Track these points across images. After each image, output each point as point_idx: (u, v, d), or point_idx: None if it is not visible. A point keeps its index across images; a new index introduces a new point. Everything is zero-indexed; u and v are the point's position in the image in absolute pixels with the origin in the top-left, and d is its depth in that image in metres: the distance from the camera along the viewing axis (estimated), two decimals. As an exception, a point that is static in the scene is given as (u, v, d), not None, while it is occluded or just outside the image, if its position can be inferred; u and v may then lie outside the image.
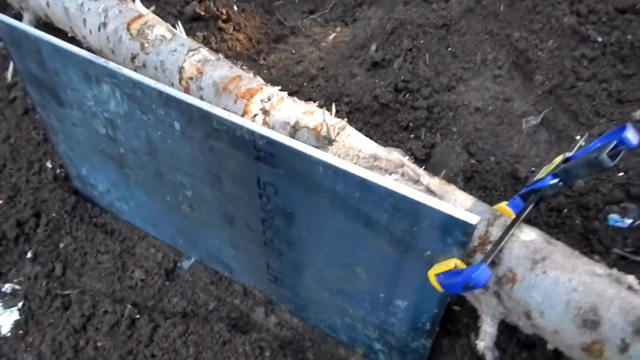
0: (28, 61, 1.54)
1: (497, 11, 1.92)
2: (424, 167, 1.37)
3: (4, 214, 1.83)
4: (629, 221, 1.40)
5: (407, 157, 1.63)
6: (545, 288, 1.07)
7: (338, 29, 2.22)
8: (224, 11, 2.24)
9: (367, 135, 1.75)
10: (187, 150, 1.38)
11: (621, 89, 1.66)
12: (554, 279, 1.05)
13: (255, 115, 1.43)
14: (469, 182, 1.66)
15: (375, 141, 1.71)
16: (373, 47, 2.04)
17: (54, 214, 1.84)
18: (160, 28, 1.63)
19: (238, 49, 2.17)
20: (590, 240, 1.42)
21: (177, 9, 2.30)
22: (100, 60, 1.32)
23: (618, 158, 1.05)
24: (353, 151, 1.36)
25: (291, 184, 1.23)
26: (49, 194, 1.87)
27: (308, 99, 1.93)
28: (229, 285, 1.69)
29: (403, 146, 1.78)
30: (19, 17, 2.20)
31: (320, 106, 1.58)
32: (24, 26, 1.43)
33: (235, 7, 2.29)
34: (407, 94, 1.88)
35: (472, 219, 1.00)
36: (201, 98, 1.52)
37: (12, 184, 1.89)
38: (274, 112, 1.44)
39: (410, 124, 1.82)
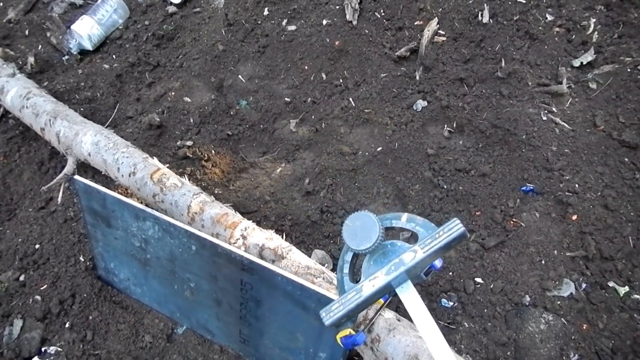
0: (92, 202, 2.27)
1: (387, 163, 2.86)
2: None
3: (49, 295, 2.47)
4: (450, 304, 2.39)
5: (328, 256, 2.57)
6: (394, 345, 1.85)
7: (283, 165, 2.98)
8: (205, 154, 2.99)
9: (302, 242, 2.67)
10: (197, 261, 2.14)
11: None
12: (398, 340, 1.92)
13: (237, 239, 2.33)
14: None
15: (308, 245, 2.65)
16: (307, 181, 2.87)
17: (85, 295, 2.49)
18: (173, 178, 2.50)
19: (215, 179, 2.92)
20: (431, 314, 2.39)
21: (173, 151, 3.02)
22: (149, 210, 2.14)
23: (429, 275, 2.01)
24: (296, 263, 2.23)
25: (261, 284, 2.02)
26: (82, 280, 2.52)
27: (264, 216, 2.76)
28: (210, 345, 2.38)
29: (326, 249, 2.60)
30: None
31: (272, 223, 2.45)
32: (98, 186, 2.19)
33: (212, 151, 3.03)
34: (329, 214, 2.74)
35: None
36: (202, 226, 2.38)
37: (55, 273, 2.53)
38: (249, 237, 2.29)
39: (331, 234, 2.66)
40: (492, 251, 2.49)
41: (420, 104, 3.19)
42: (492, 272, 2.42)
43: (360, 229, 1.10)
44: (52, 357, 2.34)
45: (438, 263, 1.97)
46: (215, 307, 2.29)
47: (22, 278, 2.56)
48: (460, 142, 2.96)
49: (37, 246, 2.65)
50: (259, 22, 3.58)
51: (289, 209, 2.81)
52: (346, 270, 1.23)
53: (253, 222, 2.36)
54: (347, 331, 1.91)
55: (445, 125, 3.05)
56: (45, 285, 2.52)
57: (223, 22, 3.60)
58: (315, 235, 2.71)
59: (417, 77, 3.35)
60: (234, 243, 2.25)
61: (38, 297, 2.49)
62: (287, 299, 1.99)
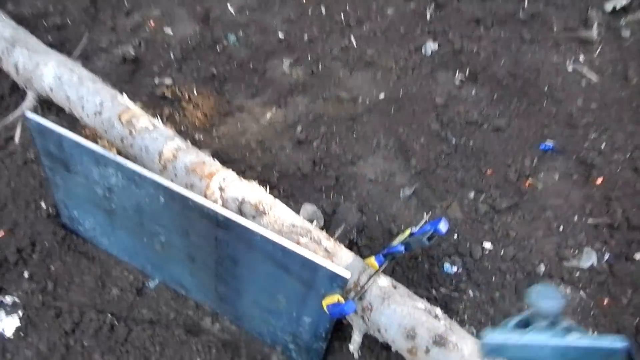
0: (48, 143, 2.00)
1: (389, 113, 2.63)
2: (329, 222, 2.04)
3: (6, 243, 2.26)
4: (454, 270, 2.18)
5: (319, 211, 2.33)
6: (388, 315, 1.69)
7: (273, 109, 2.76)
8: (186, 94, 2.71)
9: (291, 195, 2.41)
10: (166, 214, 1.91)
11: (464, 177, 2.40)
12: (393, 310, 1.73)
13: (214, 191, 2.05)
14: (360, 233, 2.27)
15: (297, 199, 2.40)
16: (299, 129, 2.63)
17: (46, 243, 2.29)
18: (144, 120, 2.19)
19: (196, 123, 2.67)
20: (431, 279, 2.17)
21: (149, 90, 2.75)
22: (111, 155, 1.84)
23: (433, 240, 1.77)
24: (279, 220, 1.97)
25: (238, 242, 1.80)
26: (43, 227, 2.32)
27: (249, 166, 2.49)
28: (184, 301, 2.20)
29: (317, 203, 2.38)
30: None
31: (257, 173, 2.19)
32: (53, 125, 1.89)
33: (195, 91, 2.78)
34: (322, 167, 2.50)
35: (346, 274, 1.67)
36: (175, 176, 2.09)
37: (13, 219, 2.32)
38: (227, 190, 2.02)
39: (323, 188, 2.44)
40: (503, 214, 2.27)
41: (430, 46, 2.96)
42: (503, 237, 2.20)
43: (547, 296, 1.07)
44: (7, 308, 2.16)
45: (443, 227, 1.73)
46: (188, 263, 2.08)
47: None
48: (473, 92, 2.72)
49: None
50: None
51: (278, 159, 2.57)
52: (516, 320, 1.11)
53: (236, 172, 2.12)
54: (336, 297, 1.70)
55: (457, 72, 2.82)
56: (2, 233, 2.30)
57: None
58: (305, 189, 2.48)
59: (428, 16, 3.07)
60: (210, 196, 2.00)
61: None
62: (267, 259, 1.78)
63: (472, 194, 2.35)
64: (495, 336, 1.04)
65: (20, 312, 2.13)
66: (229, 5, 3.07)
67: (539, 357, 1.02)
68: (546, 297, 1.06)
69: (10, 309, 2.15)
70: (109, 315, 2.14)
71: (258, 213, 1.99)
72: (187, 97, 2.76)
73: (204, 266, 2.04)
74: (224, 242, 1.86)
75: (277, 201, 2.05)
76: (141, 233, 2.11)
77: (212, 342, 2.04)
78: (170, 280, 2.26)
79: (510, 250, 2.15)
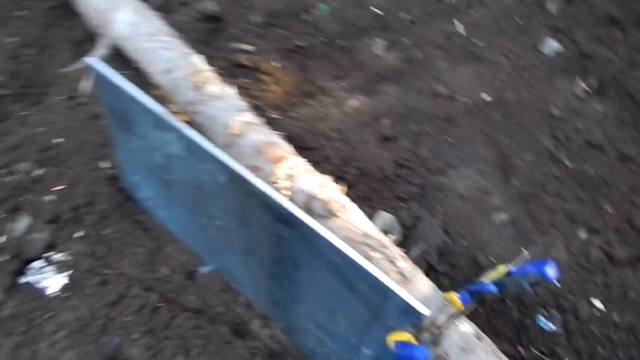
0: (111, 97, 1.89)
1: (494, 118, 2.32)
2: (407, 237, 1.78)
3: (63, 198, 2.19)
4: (550, 326, 1.82)
5: (396, 223, 2.06)
6: None
7: (359, 96, 2.53)
8: (267, 66, 2.54)
9: (366, 198, 2.17)
10: (226, 195, 1.72)
11: (575, 210, 2.07)
12: None
13: (280, 179, 1.82)
14: (441, 257, 2.02)
15: (373, 204, 2.15)
16: (385, 122, 2.39)
17: (103, 206, 2.20)
18: (216, 86, 2.00)
19: (272, 99, 2.49)
20: (520, 332, 1.83)
21: (226, 54, 2.59)
22: (172, 120, 1.67)
23: (535, 286, 1.45)
24: (350, 226, 1.75)
25: (301, 244, 1.58)
26: (102, 188, 2.23)
27: (325, 156, 2.29)
28: (235, 296, 2.05)
29: (395, 212, 2.14)
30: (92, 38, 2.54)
31: (333, 167, 1.96)
32: (114, 76, 1.74)
33: (276, 63, 2.60)
34: (407, 170, 2.24)
35: (424, 310, 1.41)
36: (240, 153, 1.90)
37: (73, 175, 2.24)
38: (296, 180, 1.82)
39: (404, 196, 2.19)
40: (622, 266, 1.92)
41: (551, 45, 2.64)
42: (620, 298, 1.86)
43: None
44: (56, 265, 2.09)
45: (552, 273, 1.42)
46: (244, 255, 1.90)
47: (37, 172, 2.28)
48: (599, 107, 2.37)
49: (59, 140, 2.35)
50: None
51: (358, 154, 2.34)
52: None
53: (308, 161, 1.92)
54: (406, 336, 1.44)
55: (581, 81, 2.48)
56: (61, 187, 2.23)
57: None
58: (385, 194, 2.24)
59: (553, 9, 2.68)
60: (275, 183, 1.82)
61: (51, 197, 2.21)
62: (332, 271, 1.54)
63: (583, 234, 2.01)
64: None
65: (67, 273, 2.06)
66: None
67: None
68: None
69: (59, 268, 2.08)
70: (155, 294, 2.01)
71: (328, 213, 1.78)
72: (266, 68, 2.58)
73: (261, 262, 1.85)
74: (285, 239, 1.64)
75: (352, 203, 1.80)
76: (198, 213, 1.95)
77: (258, 350, 1.88)
78: (223, 270, 2.10)
79: (627, 316, 1.80)
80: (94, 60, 1.77)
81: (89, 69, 2.27)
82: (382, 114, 2.45)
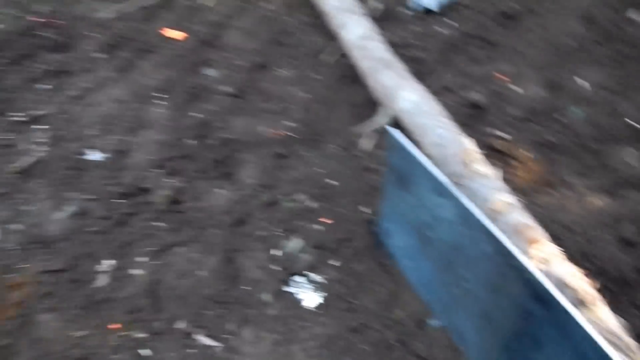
0: (397, 158, 2.18)
1: None
2: None
3: (329, 230, 2.57)
4: None
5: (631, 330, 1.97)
6: None
7: (602, 196, 2.52)
8: (518, 154, 2.72)
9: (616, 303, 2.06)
10: (484, 263, 1.85)
11: None
12: None
13: (534, 260, 1.94)
14: None
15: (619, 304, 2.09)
16: (628, 227, 2.33)
17: (358, 244, 2.53)
18: (483, 166, 2.26)
19: (520, 184, 2.64)
20: None
21: (484, 138, 2.82)
22: (453, 190, 1.86)
23: None
24: (601, 323, 1.78)
25: (552, 326, 1.62)
26: (359, 229, 2.58)
27: (564, 247, 2.21)
28: (460, 356, 2.15)
29: (629, 319, 2.01)
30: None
31: (571, 259, 1.97)
32: (408, 144, 2.05)
33: (528, 154, 2.75)
34: None
35: None
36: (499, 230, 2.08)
37: (339, 213, 2.63)
38: (549, 263, 1.92)
39: None
40: None
41: None
42: None
43: None
44: (313, 284, 2.44)
45: None
46: (480, 319, 2.01)
47: (311, 204, 2.71)
48: None
49: (332, 182, 2.79)
50: (622, 26, 2.97)
51: (597, 252, 2.34)
52: None
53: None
54: None
55: None
56: (328, 220, 2.64)
57: (581, 17, 3.11)
58: (620, 297, 2.19)
59: None
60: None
61: (319, 227, 2.60)
62: None
63: None
64: None
65: (322, 294, 2.40)
66: (581, 79, 2.95)
67: None
68: None
69: (316, 288, 2.44)
70: (392, 333, 2.24)
71: (579, 303, 1.84)
72: (517, 156, 2.75)
73: (496, 331, 1.93)
74: (534, 317, 1.70)
75: (601, 299, 1.85)
76: (446, 271, 2.13)
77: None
78: (452, 328, 2.22)
79: None
80: (391, 128, 2.17)
81: (375, 131, 2.77)
82: (625, 218, 2.41)
